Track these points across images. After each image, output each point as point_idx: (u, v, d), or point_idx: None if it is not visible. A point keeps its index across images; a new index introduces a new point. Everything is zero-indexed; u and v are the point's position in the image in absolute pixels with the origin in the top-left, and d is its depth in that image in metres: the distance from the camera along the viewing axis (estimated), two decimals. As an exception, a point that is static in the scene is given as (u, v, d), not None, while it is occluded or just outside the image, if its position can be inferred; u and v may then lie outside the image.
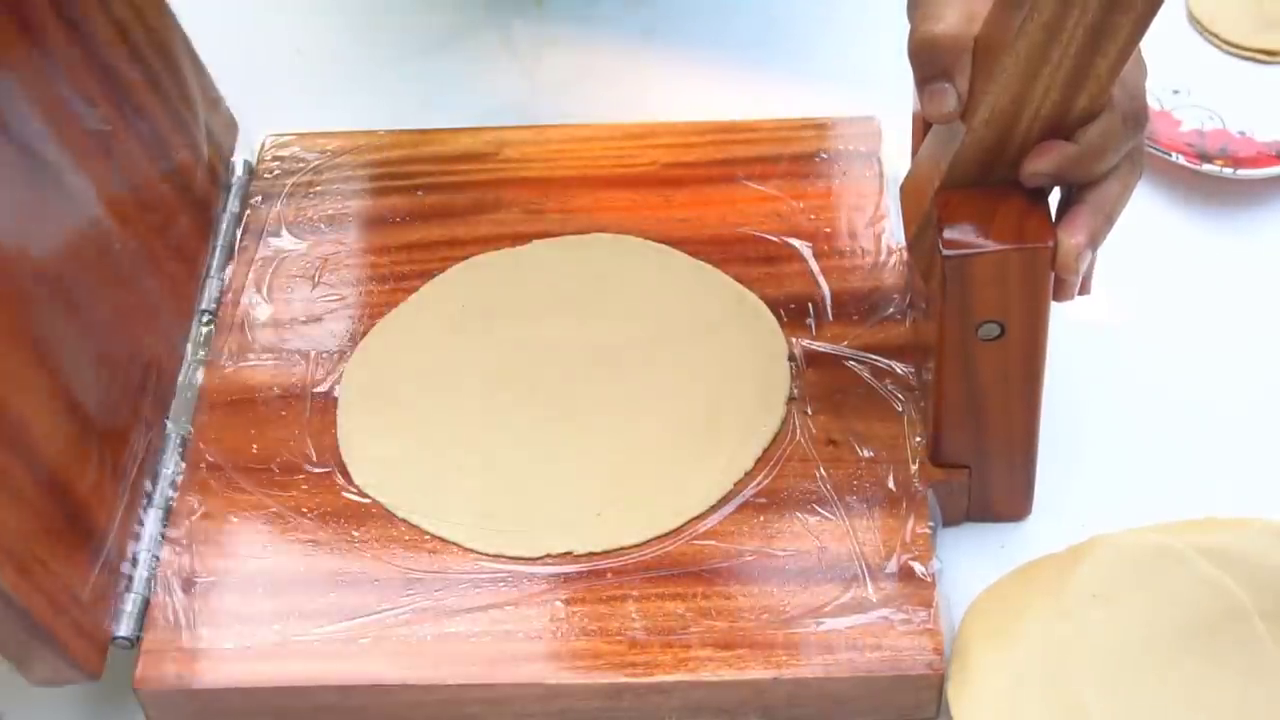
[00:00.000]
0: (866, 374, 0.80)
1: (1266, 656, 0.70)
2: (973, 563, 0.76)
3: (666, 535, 0.75)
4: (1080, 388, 0.82)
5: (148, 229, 0.82)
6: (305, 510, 0.77)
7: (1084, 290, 0.70)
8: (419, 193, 0.90)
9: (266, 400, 0.82)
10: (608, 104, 0.97)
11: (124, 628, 0.73)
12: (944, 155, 0.68)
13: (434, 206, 0.89)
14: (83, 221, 0.77)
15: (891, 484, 0.76)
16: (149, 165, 0.83)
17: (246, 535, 0.77)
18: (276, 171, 0.91)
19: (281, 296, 0.86)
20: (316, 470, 0.79)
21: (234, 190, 0.90)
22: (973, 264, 0.67)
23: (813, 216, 0.87)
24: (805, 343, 0.81)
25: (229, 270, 0.87)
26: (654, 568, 0.74)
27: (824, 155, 0.89)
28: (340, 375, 0.82)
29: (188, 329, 0.84)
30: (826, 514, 0.75)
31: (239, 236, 0.88)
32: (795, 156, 0.89)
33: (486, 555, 0.75)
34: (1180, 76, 0.93)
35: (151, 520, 0.77)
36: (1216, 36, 0.96)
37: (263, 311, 0.85)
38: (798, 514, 0.75)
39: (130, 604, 0.74)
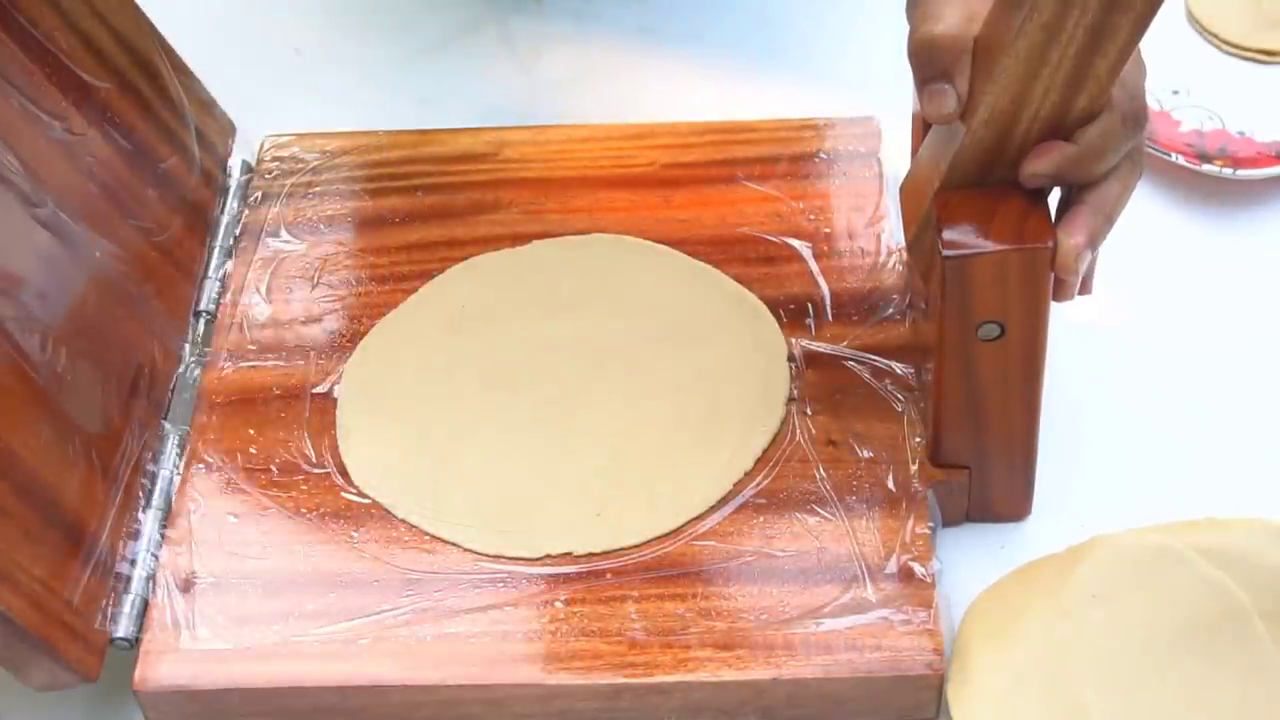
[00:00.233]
0: (866, 374, 0.79)
1: (1266, 656, 0.70)
2: (973, 563, 0.76)
3: (666, 536, 0.75)
4: (1080, 388, 0.82)
5: (133, 233, 0.81)
6: (305, 511, 0.77)
7: (1084, 290, 0.70)
8: (418, 193, 0.90)
9: (266, 401, 0.81)
10: (607, 103, 0.97)
11: (123, 629, 0.73)
12: (944, 156, 0.68)
13: (433, 207, 0.89)
14: (52, 228, 0.76)
15: (891, 484, 0.75)
16: (129, 172, 0.82)
17: (246, 536, 0.76)
18: (275, 172, 0.91)
19: (281, 297, 0.86)
20: (316, 470, 0.79)
21: (232, 191, 0.90)
22: (972, 264, 0.67)
23: (812, 217, 0.86)
24: (805, 343, 0.81)
25: (228, 271, 0.87)
26: (653, 568, 0.74)
27: (823, 155, 0.89)
28: (340, 375, 0.82)
29: (184, 330, 0.84)
30: (826, 514, 0.75)
31: (238, 237, 0.88)
32: (795, 157, 0.89)
33: (486, 556, 0.75)
34: (1180, 77, 0.93)
35: (150, 521, 0.77)
36: (1216, 36, 0.96)
37: (262, 312, 0.85)
38: (797, 514, 0.75)
39: (129, 605, 0.74)
